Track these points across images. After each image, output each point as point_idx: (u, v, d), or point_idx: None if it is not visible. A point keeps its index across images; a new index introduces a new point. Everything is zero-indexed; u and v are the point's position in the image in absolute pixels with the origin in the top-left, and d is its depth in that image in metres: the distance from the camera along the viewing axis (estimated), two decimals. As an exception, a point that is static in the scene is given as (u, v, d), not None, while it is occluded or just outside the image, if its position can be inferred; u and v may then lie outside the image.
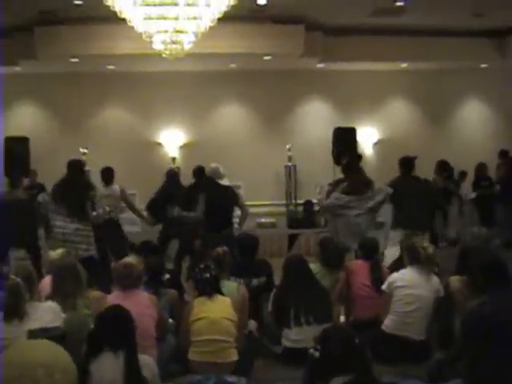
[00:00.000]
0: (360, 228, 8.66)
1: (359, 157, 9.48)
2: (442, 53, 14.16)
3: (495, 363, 4.41)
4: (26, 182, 11.86)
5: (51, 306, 5.35)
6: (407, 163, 9.57)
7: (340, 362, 3.69)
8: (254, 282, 7.25)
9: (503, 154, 13.73)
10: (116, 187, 10.58)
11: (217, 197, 9.32)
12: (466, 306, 5.78)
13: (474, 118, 16.05)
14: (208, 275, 5.98)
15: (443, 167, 11.64)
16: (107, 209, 8.97)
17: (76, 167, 8.91)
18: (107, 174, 10.66)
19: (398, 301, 6.34)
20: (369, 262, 7.16)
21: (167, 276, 7.05)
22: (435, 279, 6.50)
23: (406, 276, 6.45)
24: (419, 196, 9.31)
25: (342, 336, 3.84)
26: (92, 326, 4.65)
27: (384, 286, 6.50)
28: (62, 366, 3.68)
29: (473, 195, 13.49)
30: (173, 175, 11.49)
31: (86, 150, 13.71)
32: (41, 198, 8.56)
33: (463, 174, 13.81)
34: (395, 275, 6.52)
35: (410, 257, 6.60)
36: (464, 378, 4.59)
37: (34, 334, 4.57)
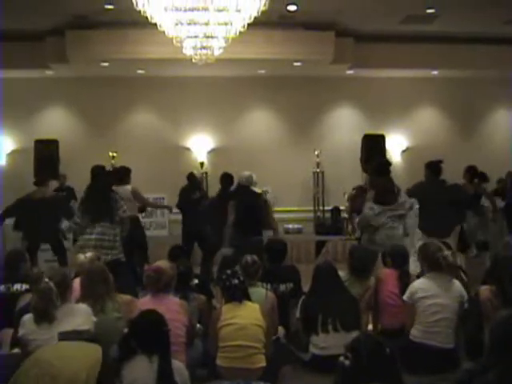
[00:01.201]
0: (396, 237, 8.63)
1: (388, 162, 9.36)
2: (472, 61, 14.06)
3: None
4: (54, 184, 12.04)
5: (83, 308, 5.39)
6: (433, 167, 9.56)
7: (371, 371, 3.67)
8: (282, 287, 7.22)
9: None
10: (127, 188, 10.51)
11: (250, 203, 9.35)
12: (494, 315, 5.82)
13: (503, 126, 15.91)
14: (236, 281, 5.98)
15: (472, 172, 11.49)
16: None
17: (97, 172, 9.01)
18: (118, 174, 10.66)
19: (422, 311, 6.28)
20: (398, 270, 7.11)
21: (196, 281, 7.07)
22: (457, 285, 6.43)
23: (426, 286, 6.37)
24: (444, 201, 9.30)
25: (373, 345, 3.81)
26: (123, 329, 4.67)
27: (405, 297, 6.45)
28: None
29: (502, 204, 13.36)
30: (192, 178, 11.57)
31: (115, 154, 13.81)
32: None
33: (501, 182, 13.66)
34: (416, 285, 6.45)
35: (428, 265, 6.55)
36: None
37: (64, 337, 4.59)
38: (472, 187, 11.10)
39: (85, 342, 4.43)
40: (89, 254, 7.03)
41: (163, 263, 6.20)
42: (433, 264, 6.46)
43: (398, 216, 8.78)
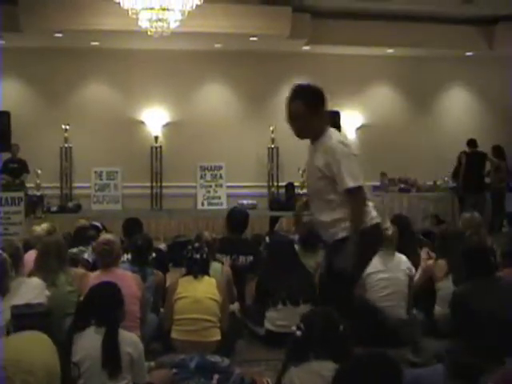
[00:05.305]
0: None
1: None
2: (428, 39, 14.12)
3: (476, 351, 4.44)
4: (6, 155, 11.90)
5: (36, 282, 5.31)
6: None
7: (322, 346, 3.69)
8: (241, 259, 7.23)
9: (471, 143, 13.52)
10: None
11: None
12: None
13: (457, 106, 16.05)
14: (198, 256, 5.94)
15: None
16: None
17: None
18: None
19: (372, 287, 6.36)
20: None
21: (153, 254, 6.99)
22: (403, 258, 6.55)
23: (373, 262, 6.44)
24: None
25: (327, 319, 3.83)
26: (75, 303, 4.61)
27: None
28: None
29: (454, 184, 13.55)
30: None
31: (68, 127, 13.64)
32: None
33: None
34: None
35: None
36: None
37: (17, 310, 4.52)
38: None
39: (32, 332, 4.14)
40: (44, 225, 6.95)
41: (109, 235, 6.17)
42: None
43: None
